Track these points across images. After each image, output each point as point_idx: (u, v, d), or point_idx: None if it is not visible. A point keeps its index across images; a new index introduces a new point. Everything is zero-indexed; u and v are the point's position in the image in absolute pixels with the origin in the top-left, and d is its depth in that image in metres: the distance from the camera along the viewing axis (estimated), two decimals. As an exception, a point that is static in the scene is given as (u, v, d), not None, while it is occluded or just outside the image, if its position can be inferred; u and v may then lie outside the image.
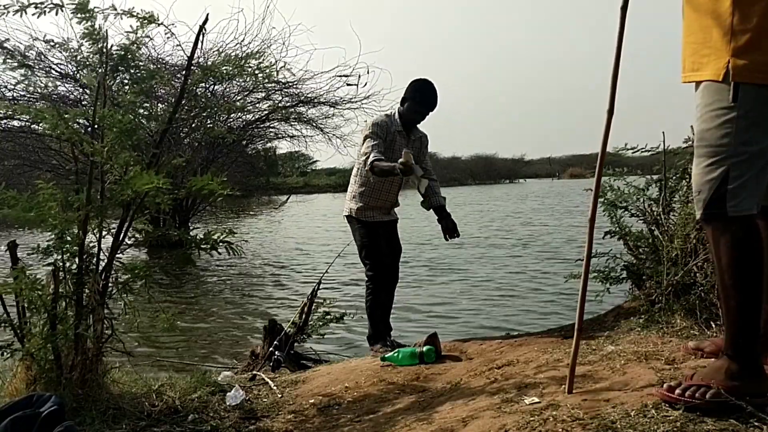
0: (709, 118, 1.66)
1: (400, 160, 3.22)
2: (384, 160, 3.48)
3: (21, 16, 2.36)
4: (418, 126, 3.79)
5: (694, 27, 1.71)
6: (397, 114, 3.71)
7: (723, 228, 1.65)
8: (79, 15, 2.40)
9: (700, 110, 1.68)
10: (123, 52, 2.51)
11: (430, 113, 3.72)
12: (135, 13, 2.47)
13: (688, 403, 1.61)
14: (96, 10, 2.43)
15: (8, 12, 2.34)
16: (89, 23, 2.43)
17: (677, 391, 1.65)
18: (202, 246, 2.60)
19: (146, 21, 2.48)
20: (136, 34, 2.53)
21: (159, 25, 2.54)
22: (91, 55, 2.57)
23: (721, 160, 1.63)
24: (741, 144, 1.61)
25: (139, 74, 2.55)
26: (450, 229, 3.71)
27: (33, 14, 2.36)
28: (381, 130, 3.63)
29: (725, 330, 1.74)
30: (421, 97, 3.65)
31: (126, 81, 2.56)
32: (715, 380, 1.64)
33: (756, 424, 1.52)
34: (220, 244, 2.59)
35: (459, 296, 7.24)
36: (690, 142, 2.91)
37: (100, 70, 2.53)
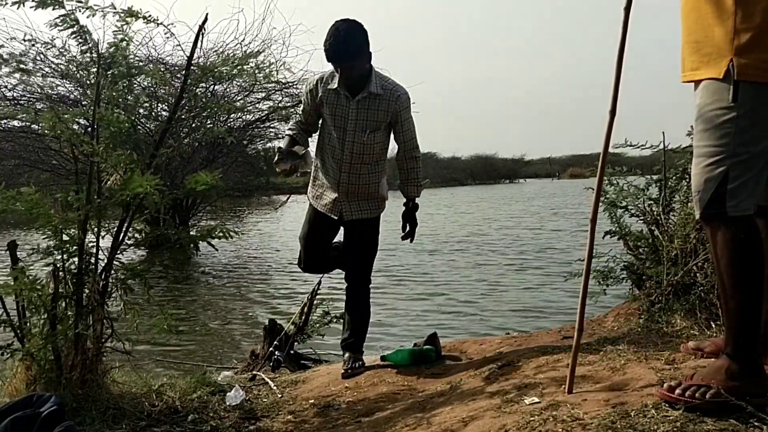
0: (708, 118, 1.65)
1: (279, 150, 2.83)
2: (292, 136, 2.97)
3: (18, 8, 2.34)
4: (376, 81, 2.85)
5: (694, 27, 1.71)
6: None
7: (723, 228, 1.65)
8: (56, 11, 2.39)
9: (699, 110, 1.68)
10: (113, 49, 2.51)
11: (349, 65, 2.76)
12: (115, 11, 2.45)
13: (688, 403, 1.61)
14: (78, 4, 2.41)
15: (7, 3, 2.32)
16: (65, 18, 2.42)
17: (677, 390, 1.65)
18: (201, 239, 2.61)
19: (128, 15, 2.47)
20: (122, 30, 2.52)
21: (158, 24, 2.54)
22: (81, 54, 2.56)
23: (721, 160, 1.63)
24: (741, 144, 1.61)
25: (128, 71, 2.54)
26: (407, 233, 3.07)
27: (31, 7, 2.34)
28: (307, 93, 2.97)
29: (725, 330, 1.74)
30: (326, 47, 2.74)
31: (117, 79, 2.55)
32: (716, 380, 1.64)
33: (756, 424, 1.52)
34: (216, 237, 2.61)
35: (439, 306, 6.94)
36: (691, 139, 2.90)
37: (93, 69, 2.53)
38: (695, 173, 1.70)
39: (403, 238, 3.06)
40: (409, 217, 3.05)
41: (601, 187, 2.11)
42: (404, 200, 3.08)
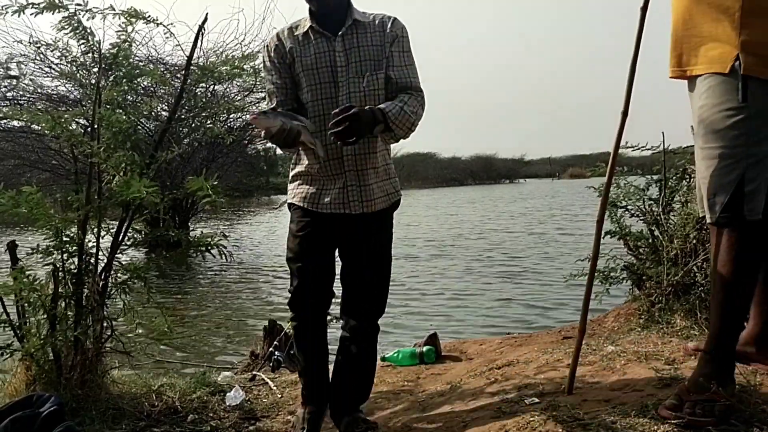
0: (718, 119, 1.61)
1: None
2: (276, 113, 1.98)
3: (18, 15, 2.36)
4: (356, 11, 2.13)
5: (695, 20, 1.67)
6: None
7: (737, 232, 1.61)
8: (60, 14, 2.40)
9: (707, 110, 1.64)
10: (115, 50, 2.52)
11: None
12: (119, 11, 2.46)
13: (692, 421, 1.59)
14: (78, 6, 2.42)
15: (7, 12, 2.34)
16: (68, 21, 2.43)
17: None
18: (197, 248, 2.61)
19: (132, 17, 2.47)
20: (126, 31, 2.53)
21: (157, 25, 2.54)
22: (82, 54, 2.57)
23: (737, 163, 1.59)
24: (754, 144, 1.57)
25: (130, 72, 2.55)
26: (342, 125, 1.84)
27: (31, 14, 2.36)
28: (272, 56, 2.13)
29: (712, 329, 1.72)
30: None
31: (119, 80, 2.56)
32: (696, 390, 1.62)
33: (756, 424, 1.53)
34: (214, 247, 2.60)
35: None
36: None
37: (94, 70, 2.53)
38: (707, 176, 1.65)
39: (332, 125, 1.85)
40: (359, 114, 1.86)
41: (609, 190, 2.08)
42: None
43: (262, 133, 1.89)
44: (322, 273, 2.19)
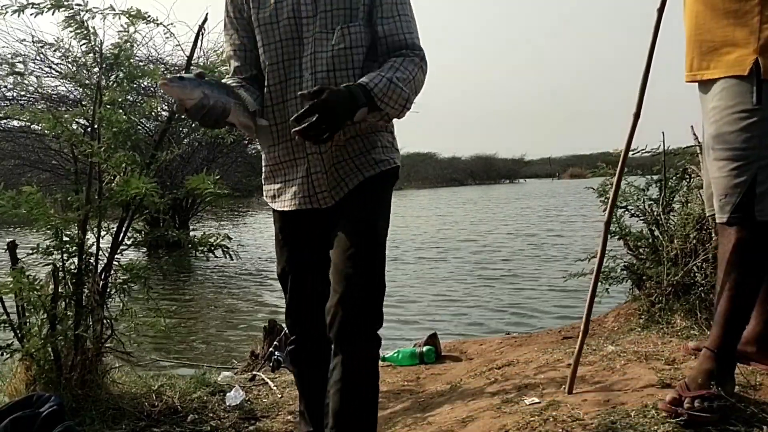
0: (731, 121, 1.62)
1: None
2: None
3: (18, 16, 2.37)
4: None
5: (709, 25, 1.69)
6: None
7: (746, 232, 1.62)
8: (62, 14, 2.41)
9: (720, 112, 1.65)
10: (116, 51, 2.52)
11: None
12: (121, 11, 2.47)
13: (692, 417, 1.59)
14: (78, 6, 2.42)
15: (7, 12, 2.35)
16: (73, 20, 2.44)
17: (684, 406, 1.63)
18: (198, 248, 2.61)
19: (135, 18, 2.48)
20: (128, 32, 2.54)
21: (158, 25, 2.54)
22: (84, 54, 2.58)
23: (749, 164, 1.60)
24: (767, 147, 1.58)
25: (131, 72, 2.55)
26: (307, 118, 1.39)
27: (31, 14, 2.37)
28: (229, 11, 1.70)
29: (715, 327, 1.72)
30: None
31: (120, 80, 2.56)
32: (702, 386, 1.62)
33: (756, 424, 1.53)
34: (217, 248, 2.60)
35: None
36: (697, 143, 2.89)
37: (95, 70, 2.54)
38: (719, 176, 1.66)
39: (295, 119, 1.41)
40: (330, 100, 1.40)
41: (618, 192, 2.08)
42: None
43: (175, 104, 1.36)
44: (309, 284, 1.72)
